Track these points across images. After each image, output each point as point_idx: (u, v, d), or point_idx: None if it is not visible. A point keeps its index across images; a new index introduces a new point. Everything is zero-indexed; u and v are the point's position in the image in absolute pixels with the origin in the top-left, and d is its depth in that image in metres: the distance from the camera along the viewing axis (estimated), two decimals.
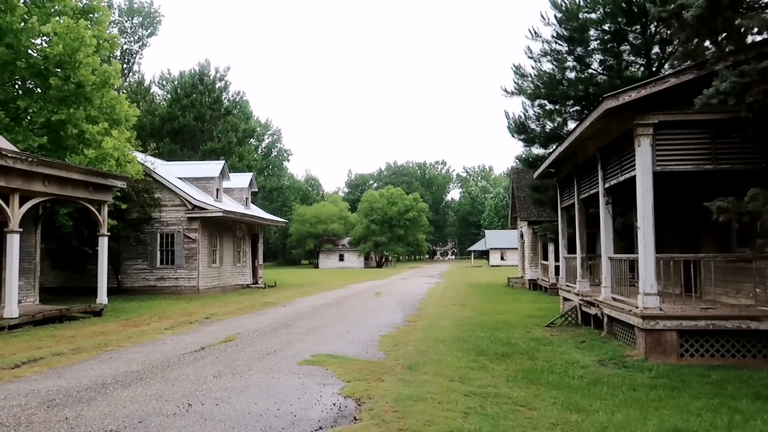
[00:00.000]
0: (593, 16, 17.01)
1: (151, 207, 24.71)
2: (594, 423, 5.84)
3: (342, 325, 13.86)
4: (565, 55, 16.87)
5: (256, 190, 36.47)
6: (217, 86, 45.74)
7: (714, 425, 5.74)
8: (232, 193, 32.05)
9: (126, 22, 57.86)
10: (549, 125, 16.90)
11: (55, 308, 15.58)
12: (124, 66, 54.85)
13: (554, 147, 17.68)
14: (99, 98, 20.97)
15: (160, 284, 25.23)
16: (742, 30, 7.75)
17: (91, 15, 22.35)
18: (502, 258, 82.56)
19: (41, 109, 20.70)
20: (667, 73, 8.91)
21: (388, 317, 15.90)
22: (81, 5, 22.10)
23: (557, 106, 16.71)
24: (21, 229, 13.70)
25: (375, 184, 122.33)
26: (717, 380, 7.60)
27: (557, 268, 25.00)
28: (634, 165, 9.42)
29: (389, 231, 79.57)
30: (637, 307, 9.14)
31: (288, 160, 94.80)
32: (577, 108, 16.70)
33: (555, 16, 16.61)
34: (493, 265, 79.55)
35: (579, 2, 16.62)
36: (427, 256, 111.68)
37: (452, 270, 62.76)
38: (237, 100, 49.18)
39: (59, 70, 19.76)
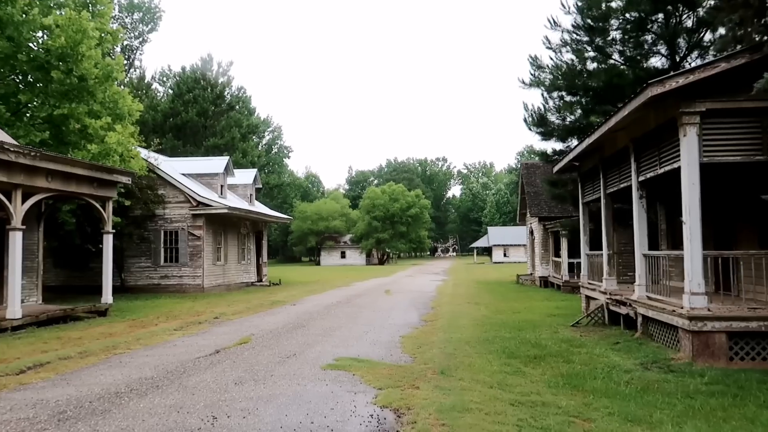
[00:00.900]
0: (613, 4, 16.43)
1: (154, 204, 24.16)
2: None
3: (359, 326, 13.31)
4: (585, 45, 16.28)
5: (260, 186, 35.88)
6: (219, 81, 45.06)
7: None
8: (236, 189, 31.50)
9: (126, 17, 57.22)
10: (569, 118, 16.29)
11: (59, 308, 15.03)
12: (125, 62, 54.18)
13: (574, 140, 17.20)
14: (102, 92, 20.41)
15: (164, 282, 24.68)
16: None
17: (93, 7, 21.76)
18: (505, 255, 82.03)
19: (43, 103, 20.12)
20: (717, 57, 8.34)
21: (403, 316, 15.37)
22: None
23: (578, 98, 16.10)
24: (24, 227, 13.15)
25: (375, 181, 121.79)
26: None
27: (570, 265, 24.53)
28: (676, 156, 8.87)
29: (391, 228, 79.06)
30: (681, 307, 8.59)
31: (288, 157, 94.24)
32: (598, 99, 16.10)
33: (576, 5, 16.05)
34: (495, 262, 79.05)
35: None
36: (428, 253, 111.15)
37: (455, 267, 62.21)
38: (240, 95, 48.55)
39: (61, 63, 19.18)
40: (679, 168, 8.84)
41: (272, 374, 7.88)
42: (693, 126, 8.46)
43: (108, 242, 16.42)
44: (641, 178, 10.67)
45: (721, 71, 8.14)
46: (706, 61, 8.25)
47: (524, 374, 8.16)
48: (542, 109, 17.03)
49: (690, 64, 15.95)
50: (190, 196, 24.72)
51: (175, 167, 27.75)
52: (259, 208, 33.36)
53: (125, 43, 56.27)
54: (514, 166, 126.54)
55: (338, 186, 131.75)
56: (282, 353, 9.57)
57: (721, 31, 14.10)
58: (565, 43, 16.43)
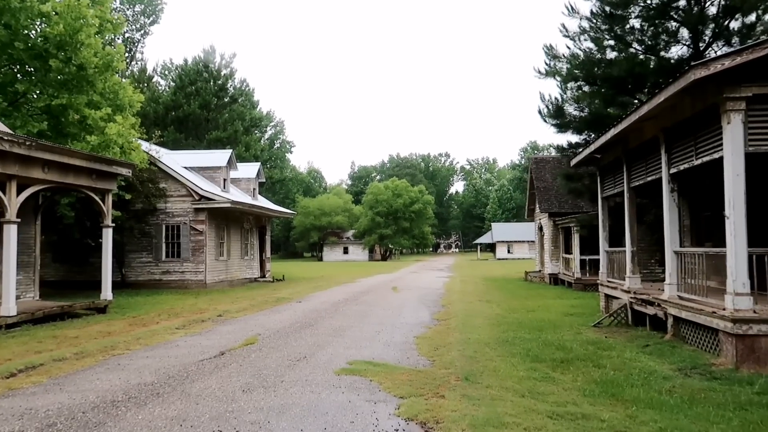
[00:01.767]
0: None
1: (156, 197, 23.55)
2: None
3: (369, 325, 12.70)
4: (604, 33, 15.59)
5: (264, 180, 35.24)
6: (222, 73, 44.28)
7: None
8: (239, 183, 30.88)
9: (128, 9, 56.52)
10: (588, 109, 15.59)
11: (57, 305, 14.44)
12: (126, 55, 53.51)
13: (591, 132, 16.54)
14: (102, 82, 19.80)
15: (166, 278, 24.10)
16: None
17: None
18: (509, 251, 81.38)
19: (41, 93, 19.50)
20: (755, 42, 7.66)
21: (414, 315, 14.76)
22: None
23: (596, 88, 15.41)
24: (19, 220, 12.54)
25: (378, 177, 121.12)
26: None
27: (582, 262, 23.90)
28: (717, 146, 8.23)
29: (394, 223, 78.40)
30: (723, 309, 7.96)
31: (291, 152, 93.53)
32: (618, 90, 15.41)
33: None
34: (499, 258, 78.43)
35: None
36: (430, 249, 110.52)
37: (459, 263, 61.59)
38: (243, 88, 47.82)
39: (60, 51, 18.55)
40: (719, 159, 8.21)
41: (283, 380, 7.26)
42: (738, 113, 7.81)
43: (107, 236, 15.82)
44: (673, 171, 10.02)
45: None
46: (745, 45, 7.55)
47: (554, 381, 7.55)
48: (559, 99, 16.39)
49: (715, 52, 15.27)
50: (193, 190, 24.10)
51: (177, 160, 27.14)
52: (263, 202, 32.75)
53: (126, 35, 55.67)
54: (517, 162, 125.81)
55: (341, 181, 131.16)
56: (291, 356, 8.96)
57: (751, 18, 13.43)
58: (583, 31, 15.75)
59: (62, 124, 19.33)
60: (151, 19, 58.62)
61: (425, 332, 11.78)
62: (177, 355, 9.07)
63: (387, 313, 15.15)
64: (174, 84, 44.47)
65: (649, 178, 11.32)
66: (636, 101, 16.76)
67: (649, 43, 16.06)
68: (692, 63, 7.74)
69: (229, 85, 45.04)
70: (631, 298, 12.03)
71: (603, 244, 14.84)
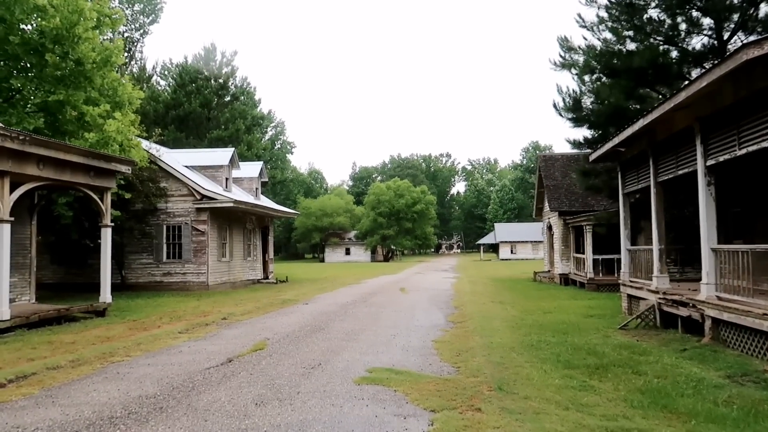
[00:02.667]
0: None
1: (156, 197, 22.89)
2: None
3: (383, 328, 12.05)
4: (623, 23, 14.95)
5: (266, 179, 34.57)
6: (223, 71, 43.56)
7: None
8: (241, 183, 30.22)
9: (127, 9, 55.89)
10: (607, 101, 14.92)
11: (53, 308, 13.78)
12: (126, 55, 52.88)
13: (609, 126, 15.88)
14: (100, 78, 19.13)
15: (167, 280, 23.43)
16: None
17: None
18: (512, 251, 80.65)
19: (37, 88, 18.85)
20: None
21: (427, 317, 14.11)
22: None
23: (616, 79, 14.74)
24: (12, 219, 11.87)
25: (379, 177, 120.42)
26: None
27: (595, 262, 23.25)
28: (766, 134, 7.58)
29: (397, 224, 77.73)
30: None
31: (291, 153, 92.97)
32: (638, 81, 14.77)
33: None
34: (503, 259, 77.74)
35: None
36: (432, 250, 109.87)
37: (463, 264, 60.90)
38: (244, 87, 47.12)
39: (56, 45, 17.90)
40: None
41: (298, 391, 6.60)
42: None
43: (106, 236, 15.17)
44: (710, 162, 9.37)
45: None
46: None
47: (595, 390, 6.89)
48: (577, 92, 15.72)
49: (740, 42, 14.61)
50: (194, 189, 23.45)
51: (177, 159, 26.48)
52: (265, 202, 32.09)
53: (126, 35, 55.04)
54: (519, 162, 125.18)
55: (342, 182, 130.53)
56: (305, 362, 8.30)
57: None
58: (601, 21, 15.09)
59: (59, 121, 18.68)
60: (150, 18, 57.96)
61: (443, 336, 11.12)
62: (181, 363, 8.42)
63: (399, 315, 14.49)
64: (174, 82, 43.79)
65: (680, 172, 10.67)
66: (656, 94, 16.13)
67: (670, 33, 15.41)
68: (744, 42, 7.08)
69: (230, 84, 44.36)
70: (660, 298, 11.38)
71: (625, 243, 14.19)
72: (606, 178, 16.03)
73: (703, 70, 8.14)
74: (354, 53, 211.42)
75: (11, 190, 11.90)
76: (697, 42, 15.97)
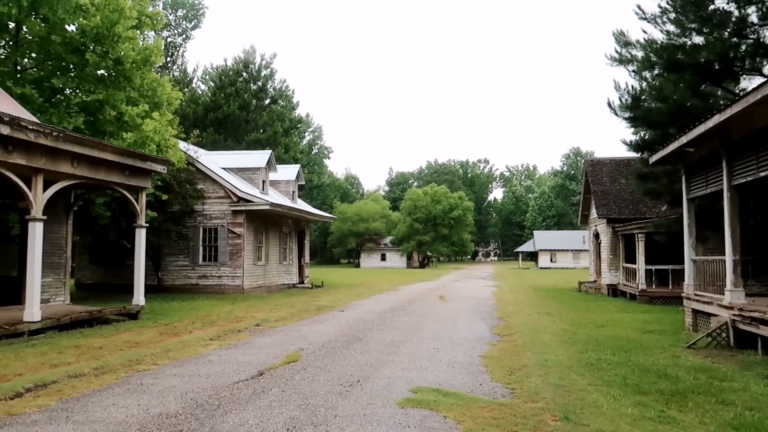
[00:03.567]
0: None
1: (193, 199, 22.66)
2: None
3: (424, 340, 11.22)
4: (687, 14, 13.79)
5: (303, 183, 34.19)
6: (262, 74, 43.61)
7: None
8: (278, 186, 29.88)
9: (170, 14, 56.87)
10: (671, 98, 13.75)
11: (86, 310, 13.47)
12: (168, 59, 53.72)
13: (671, 125, 14.71)
14: (139, 78, 19.02)
15: (203, 282, 23.16)
16: None
17: None
18: (551, 260, 78.47)
19: (77, 88, 18.84)
20: None
21: (471, 328, 13.22)
22: None
23: (681, 75, 13.57)
24: (44, 217, 11.55)
25: (416, 183, 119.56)
26: None
27: (648, 272, 21.86)
28: None
29: (433, 230, 76.59)
30: None
31: (329, 158, 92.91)
32: (704, 77, 13.58)
33: None
34: (542, 267, 75.72)
35: None
36: (468, 257, 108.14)
37: (501, 272, 59.42)
38: (282, 90, 47.13)
39: (96, 45, 17.84)
40: None
41: (335, 414, 5.86)
42: None
43: (141, 237, 14.84)
44: None
45: None
46: None
47: (677, 422, 5.93)
48: (636, 89, 14.59)
49: None
50: (231, 191, 23.15)
51: (215, 161, 26.30)
52: (302, 206, 31.69)
53: (169, 40, 55.97)
54: (559, 168, 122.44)
55: (378, 187, 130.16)
56: (342, 379, 7.56)
57: None
58: (664, 11, 13.96)
59: (99, 121, 18.62)
60: (192, 23, 58.98)
61: (490, 350, 10.24)
62: (209, 374, 7.79)
63: (441, 326, 13.64)
64: (213, 84, 44.04)
65: (762, 174, 9.53)
66: (722, 90, 14.88)
67: (740, 25, 14.16)
68: None
69: (269, 86, 44.34)
70: (735, 315, 10.21)
71: (689, 252, 12.98)
72: (666, 182, 14.83)
73: None
74: (392, 59, 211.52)
75: (45, 188, 11.60)
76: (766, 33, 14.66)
